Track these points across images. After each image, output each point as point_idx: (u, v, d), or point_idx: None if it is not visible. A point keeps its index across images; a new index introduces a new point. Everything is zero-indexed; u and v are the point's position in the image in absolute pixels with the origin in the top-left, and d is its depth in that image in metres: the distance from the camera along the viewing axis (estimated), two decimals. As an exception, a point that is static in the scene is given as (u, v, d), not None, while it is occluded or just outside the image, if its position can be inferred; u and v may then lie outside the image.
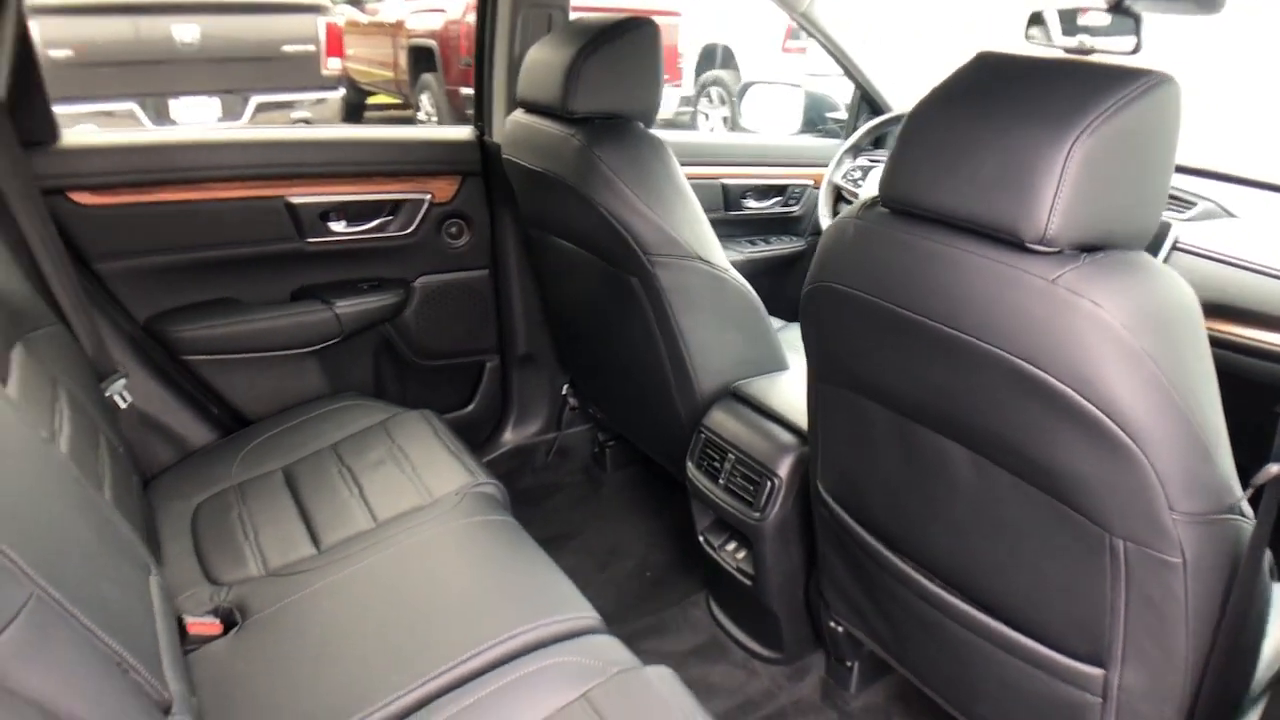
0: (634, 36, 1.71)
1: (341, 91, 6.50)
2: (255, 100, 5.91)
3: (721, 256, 1.78)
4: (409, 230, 2.26)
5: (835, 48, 2.52)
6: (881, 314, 1.09)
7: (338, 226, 2.20)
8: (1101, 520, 0.99)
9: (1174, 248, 1.80)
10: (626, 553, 2.31)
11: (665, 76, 7.31)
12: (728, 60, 7.94)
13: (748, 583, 1.79)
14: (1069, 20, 1.87)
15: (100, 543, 1.22)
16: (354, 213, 2.21)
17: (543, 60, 1.78)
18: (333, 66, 6.30)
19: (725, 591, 2.00)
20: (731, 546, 1.86)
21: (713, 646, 1.97)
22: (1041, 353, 0.92)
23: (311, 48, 6.12)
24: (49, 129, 1.88)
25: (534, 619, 1.38)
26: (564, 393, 2.53)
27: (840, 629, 1.67)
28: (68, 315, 1.77)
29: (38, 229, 1.74)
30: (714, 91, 7.88)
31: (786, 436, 1.68)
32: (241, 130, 2.59)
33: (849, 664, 1.79)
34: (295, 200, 2.12)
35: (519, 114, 1.92)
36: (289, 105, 6.11)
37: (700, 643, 1.98)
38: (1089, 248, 0.92)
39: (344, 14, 8.08)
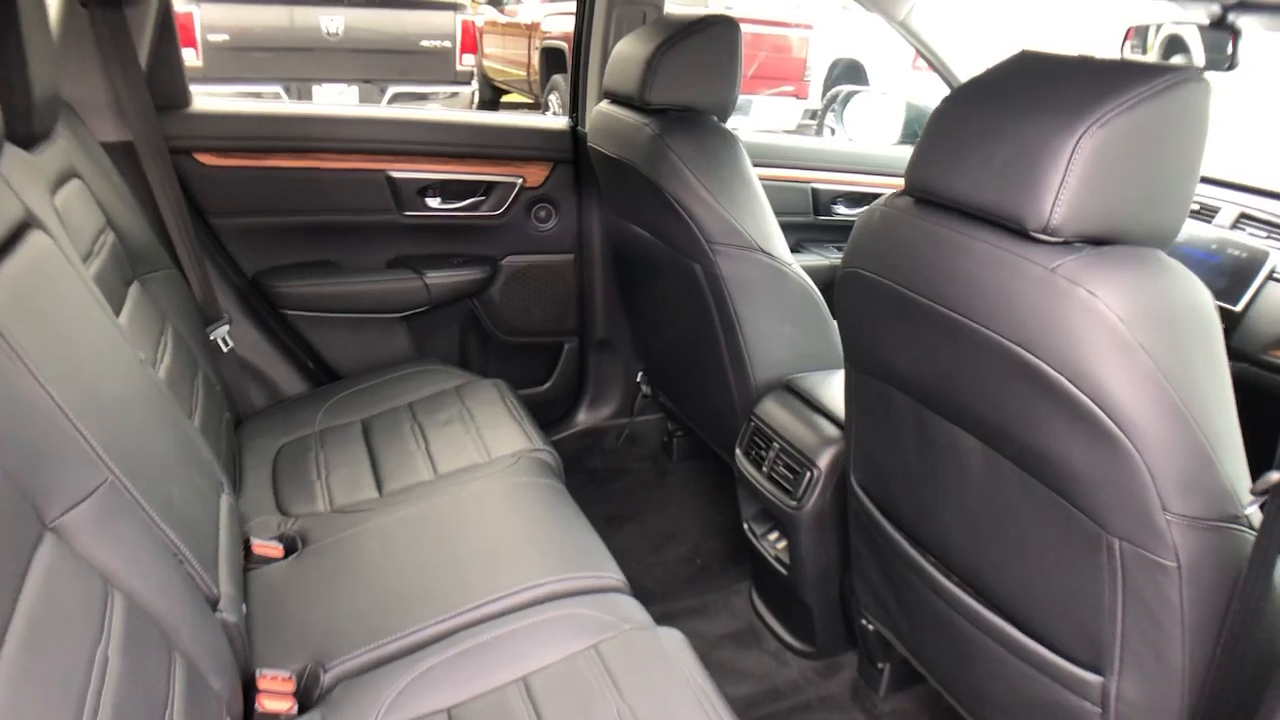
0: (712, 34, 1.77)
1: (473, 87, 6.78)
2: (392, 91, 6.24)
3: (784, 250, 1.82)
4: (500, 211, 2.38)
5: (935, 58, 2.52)
6: (898, 298, 1.12)
7: (434, 202, 2.34)
8: (1097, 517, 1.00)
9: (1270, 277, 1.75)
10: (681, 539, 2.36)
11: (789, 89, 7.31)
12: (858, 75, 7.88)
13: (784, 572, 1.83)
14: (1170, 39, 1.84)
15: (177, 454, 1.36)
16: (450, 191, 2.34)
17: (626, 54, 1.86)
18: (466, 62, 6.58)
19: (766, 581, 2.04)
20: (773, 536, 1.89)
21: (748, 634, 2.01)
22: (1037, 340, 0.94)
23: (448, 44, 6.41)
24: (182, 94, 2.09)
25: (560, 572, 1.46)
26: (638, 380, 2.61)
27: (871, 628, 1.68)
28: (183, 262, 1.96)
29: (163, 183, 1.93)
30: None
31: (831, 430, 1.71)
32: (351, 107, 2.77)
33: (879, 666, 1.80)
34: (396, 175, 2.27)
35: (604, 104, 2.01)
36: (423, 98, 6.42)
37: (737, 629, 2.02)
38: (1097, 240, 0.94)
39: (484, 14, 8.41)
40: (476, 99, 6.99)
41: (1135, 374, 0.89)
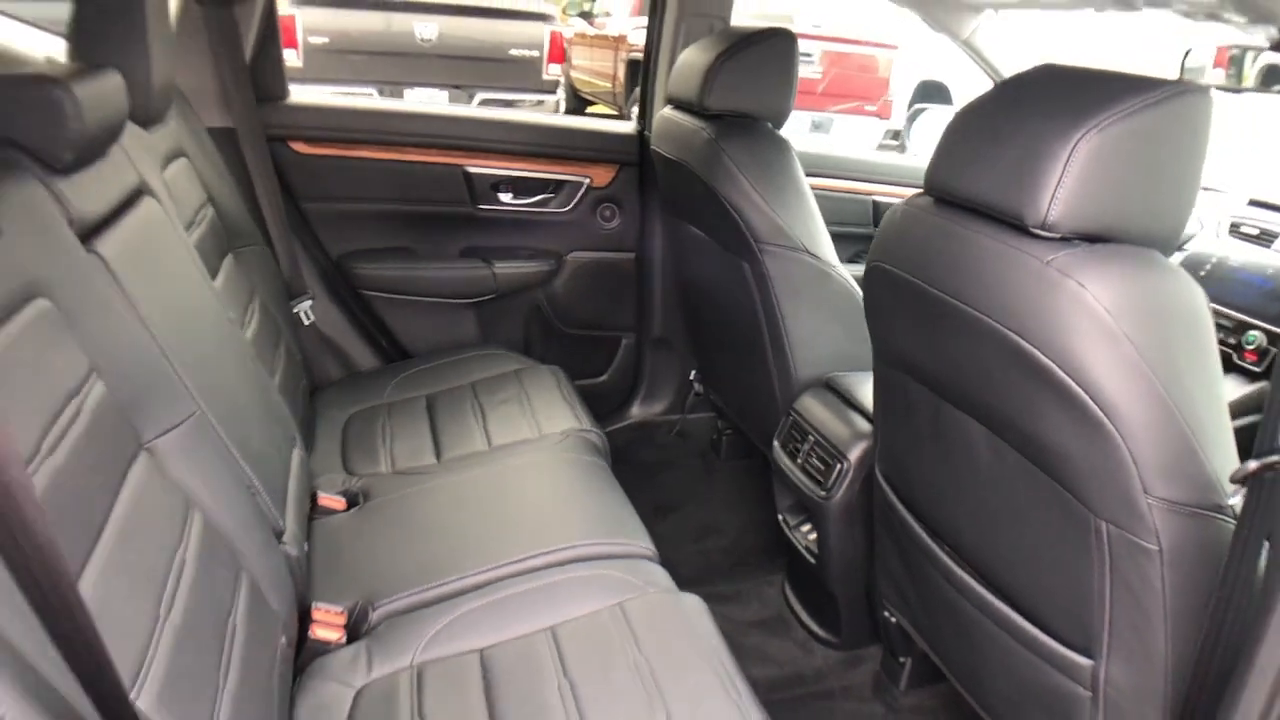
0: (770, 45, 1.87)
1: (558, 96, 6.98)
2: (480, 97, 6.47)
3: (831, 254, 1.90)
4: (567, 208, 2.51)
5: (998, 76, 2.56)
6: (915, 291, 1.20)
7: (505, 197, 2.48)
8: (1086, 500, 1.06)
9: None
10: (722, 532, 2.45)
11: (871, 109, 7.29)
12: (942, 95, 7.85)
13: (814, 562, 1.90)
14: (1267, 69, 1.84)
15: (256, 403, 1.52)
16: (521, 187, 2.49)
17: (689, 62, 1.97)
18: (553, 72, 6.78)
19: (798, 572, 2.11)
20: (805, 528, 1.96)
21: (778, 622, 2.08)
22: (1031, 328, 1.01)
23: (536, 53, 6.63)
24: (280, 87, 2.28)
25: (594, 537, 1.57)
26: (691, 378, 2.70)
27: (893, 620, 1.74)
28: (273, 240, 2.14)
29: (260, 167, 2.12)
30: (921, 127, 7.81)
31: (863, 425, 1.78)
32: (433, 105, 2.95)
33: (901, 660, 1.85)
34: (472, 170, 2.42)
35: (667, 109, 2.12)
36: (510, 105, 6.64)
37: (767, 616, 2.10)
38: (1092, 238, 1.00)
39: (574, 26, 8.64)
40: (562, 108, 7.19)
41: (1119, 362, 0.96)
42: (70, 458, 0.91)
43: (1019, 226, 1.03)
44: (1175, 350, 0.98)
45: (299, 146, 2.29)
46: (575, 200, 2.51)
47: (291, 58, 5.88)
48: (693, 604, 1.43)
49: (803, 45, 6.93)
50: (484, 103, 6.48)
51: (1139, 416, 0.97)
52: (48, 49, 1.52)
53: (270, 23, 2.17)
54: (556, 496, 1.72)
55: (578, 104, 9.01)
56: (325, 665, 1.35)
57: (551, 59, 6.73)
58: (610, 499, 1.73)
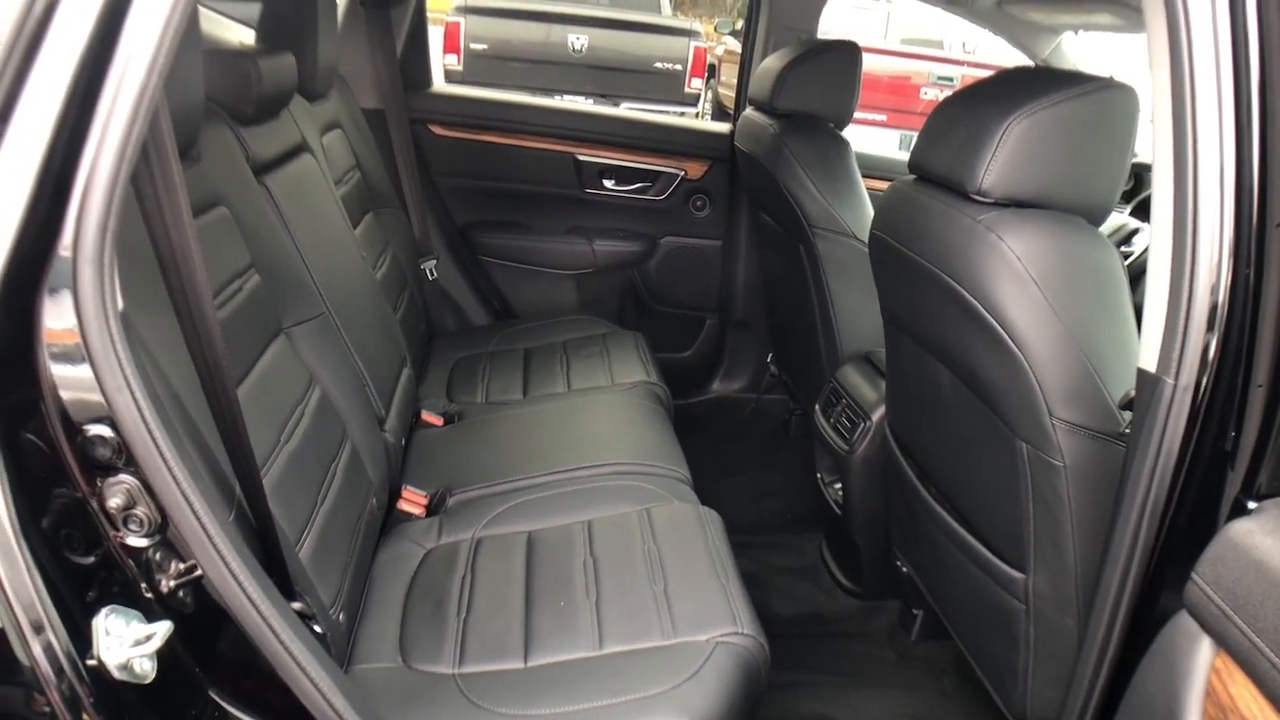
0: (835, 54, 2.12)
1: (699, 109, 7.30)
2: (624, 106, 6.87)
3: (878, 240, 2.13)
4: (662, 197, 2.82)
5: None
6: (896, 253, 1.44)
7: (609, 184, 2.82)
8: (1009, 422, 1.27)
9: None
10: (777, 497, 2.68)
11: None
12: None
13: (839, 514, 2.12)
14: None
15: (377, 323, 1.89)
16: (623, 175, 2.81)
17: (766, 68, 2.25)
18: (695, 85, 7.12)
19: (832, 527, 2.33)
20: (837, 486, 2.19)
21: (809, 570, 2.31)
22: (961, 274, 1.24)
23: (679, 67, 6.98)
24: (425, 77, 2.70)
25: (639, 458, 1.86)
26: (768, 360, 2.95)
27: (905, 570, 1.94)
28: (408, 205, 2.55)
29: (403, 144, 2.53)
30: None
31: (890, 392, 2.00)
32: (548, 99, 3.33)
33: (915, 612, 2.05)
34: (581, 158, 2.77)
35: (749, 110, 2.40)
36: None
37: (801, 565, 2.33)
38: (1020, 204, 1.22)
39: (725, 44, 8.97)
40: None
41: (1027, 301, 1.17)
42: (231, 316, 1.29)
43: (962, 193, 1.26)
44: (1080, 296, 1.19)
45: (437, 129, 2.70)
46: (670, 190, 2.82)
47: (452, 62, 6.46)
48: (710, 516, 1.69)
49: (945, 69, 7.01)
50: (627, 112, 6.84)
51: (1043, 348, 1.18)
52: (242, 36, 1.95)
53: (420, 22, 2.59)
54: (612, 426, 2.02)
55: (723, 119, 9.27)
56: (405, 530, 1.70)
57: (694, 73, 7.05)
58: (659, 433, 2.01)
